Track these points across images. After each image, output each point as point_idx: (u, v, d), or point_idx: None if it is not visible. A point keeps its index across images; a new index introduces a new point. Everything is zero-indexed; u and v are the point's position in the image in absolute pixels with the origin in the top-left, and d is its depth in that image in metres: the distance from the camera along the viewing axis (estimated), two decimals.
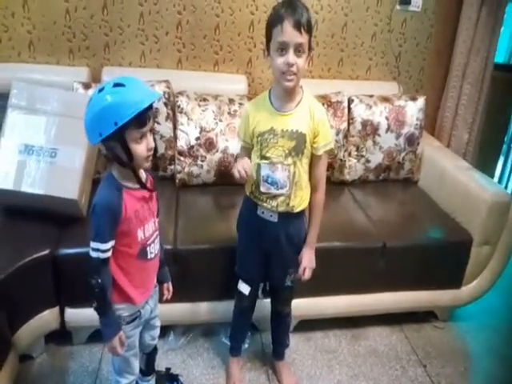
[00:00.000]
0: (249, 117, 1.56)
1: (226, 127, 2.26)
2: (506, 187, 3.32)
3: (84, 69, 2.33)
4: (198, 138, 2.23)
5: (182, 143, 2.23)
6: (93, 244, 1.25)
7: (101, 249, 1.25)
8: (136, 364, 1.47)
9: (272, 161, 1.51)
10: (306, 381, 1.92)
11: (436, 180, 2.44)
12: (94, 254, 1.26)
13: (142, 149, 1.23)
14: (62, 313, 1.85)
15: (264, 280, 1.79)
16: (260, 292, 1.82)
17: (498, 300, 2.43)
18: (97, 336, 1.87)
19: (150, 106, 1.22)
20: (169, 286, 1.56)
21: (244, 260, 1.75)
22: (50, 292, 1.80)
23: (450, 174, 2.33)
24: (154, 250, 1.39)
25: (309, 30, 1.39)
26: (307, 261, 1.64)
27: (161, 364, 1.71)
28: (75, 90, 2.12)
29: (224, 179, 2.30)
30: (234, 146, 2.25)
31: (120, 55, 2.41)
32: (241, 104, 2.30)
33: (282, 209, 1.56)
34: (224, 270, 1.92)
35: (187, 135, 2.23)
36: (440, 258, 2.13)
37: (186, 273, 1.88)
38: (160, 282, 1.53)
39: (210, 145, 2.24)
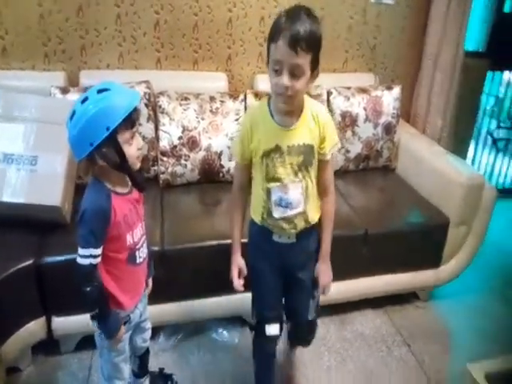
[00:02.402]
0: (248, 134, 1.30)
1: (208, 125, 2.11)
2: (478, 169, 3.25)
3: (61, 73, 2.14)
4: (180, 138, 2.09)
5: (164, 143, 2.09)
6: (83, 251, 1.15)
7: (93, 254, 1.15)
8: (126, 369, 1.37)
9: (282, 182, 1.29)
10: (303, 373, 1.81)
11: (413, 166, 2.36)
12: (85, 262, 1.15)
13: (133, 149, 1.16)
14: (48, 322, 1.71)
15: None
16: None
17: (474, 277, 2.37)
18: (85, 343, 1.77)
19: (136, 106, 1.15)
20: (149, 282, 1.44)
21: (266, 296, 1.45)
22: (36, 302, 1.65)
23: (426, 159, 2.26)
24: (142, 254, 1.30)
25: (310, 49, 1.12)
26: (326, 278, 1.40)
27: (152, 365, 1.59)
28: (52, 95, 1.95)
29: (208, 177, 2.17)
30: (217, 143, 2.12)
31: (97, 58, 2.23)
32: (222, 101, 2.16)
33: (301, 226, 1.34)
34: (211, 267, 1.80)
35: (169, 135, 2.08)
36: (419, 240, 2.06)
37: (174, 273, 1.76)
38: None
39: (193, 143, 2.10)
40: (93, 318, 1.22)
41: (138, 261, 1.28)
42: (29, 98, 1.77)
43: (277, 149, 1.26)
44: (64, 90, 1.98)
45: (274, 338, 1.47)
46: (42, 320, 1.69)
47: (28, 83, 2.01)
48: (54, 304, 1.69)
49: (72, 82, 2.13)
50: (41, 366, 1.76)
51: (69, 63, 2.20)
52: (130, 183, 1.25)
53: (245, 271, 1.44)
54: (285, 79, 1.14)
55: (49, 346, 1.77)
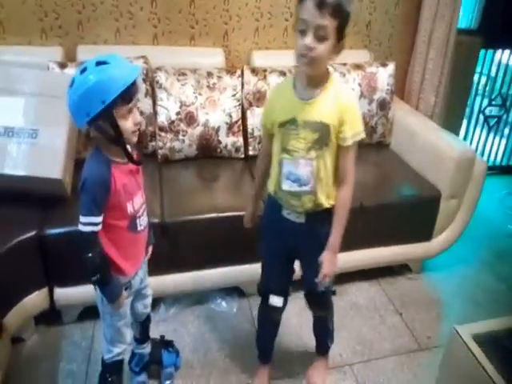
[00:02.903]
0: (270, 105, 1.35)
1: (205, 100, 2.11)
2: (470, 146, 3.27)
3: (58, 48, 2.12)
4: (178, 113, 2.08)
5: (162, 119, 2.08)
6: (84, 219, 1.16)
7: (94, 222, 1.17)
8: (127, 333, 1.39)
9: (293, 155, 1.28)
10: (294, 337, 1.87)
11: (407, 141, 2.37)
12: (86, 229, 1.17)
13: (129, 124, 1.15)
14: (51, 293, 1.73)
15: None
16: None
17: (465, 249, 2.41)
18: (87, 313, 1.79)
19: (134, 81, 1.13)
20: (148, 249, 1.45)
21: (272, 269, 1.49)
22: (39, 273, 1.67)
23: (420, 134, 2.27)
24: (143, 222, 1.31)
25: (336, 14, 1.11)
26: (327, 267, 1.34)
27: (153, 334, 1.62)
28: (51, 70, 1.94)
29: (206, 152, 2.17)
30: (215, 119, 2.12)
31: (94, 33, 2.20)
32: (219, 77, 2.16)
33: (309, 207, 1.32)
34: (209, 240, 1.84)
35: (167, 110, 2.08)
36: (412, 213, 2.10)
37: (174, 244, 1.78)
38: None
39: (190, 119, 2.10)
40: (95, 283, 1.23)
41: (138, 228, 1.29)
42: (28, 73, 1.76)
43: (292, 121, 1.26)
44: (62, 65, 1.96)
45: (277, 309, 1.50)
46: (44, 291, 1.71)
47: (25, 58, 1.98)
48: (56, 275, 1.71)
49: (69, 58, 2.10)
50: (44, 335, 1.78)
51: (66, 38, 2.17)
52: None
53: (255, 218, 1.55)
54: (308, 39, 1.13)
55: (51, 316, 1.79)
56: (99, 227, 1.18)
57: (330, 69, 1.28)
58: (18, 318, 1.63)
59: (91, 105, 1.08)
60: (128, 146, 1.21)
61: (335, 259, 1.36)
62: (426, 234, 2.19)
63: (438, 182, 2.12)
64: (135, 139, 1.20)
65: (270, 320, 1.58)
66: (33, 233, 1.61)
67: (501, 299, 2.13)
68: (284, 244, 1.42)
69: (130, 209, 1.24)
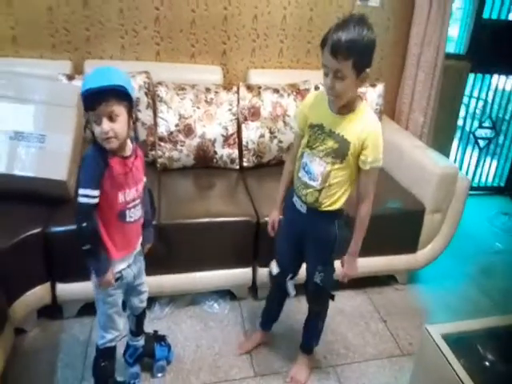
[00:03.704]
0: (307, 106, 1.55)
1: (203, 114, 2.32)
2: (460, 168, 3.47)
3: (67, 62, 2.35)
4: (177, 125, 2.29)
5: (162, 130, 2.29)
6: (82, 191, 1.32)
7: (90, 195, 1.31)
8: (119, 321, 1.53)
9: (313, 152, 1.49)
10: (283, 339, 2.01)
11: (395, 159, 2.54)
12: (83, 200, 1.32)
13: (97, 130, 1.30)
14: (53, 288, 1.89)
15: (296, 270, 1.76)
16: (291, 287, 1.74)
17: (452, 263, 2.60)
18: (86, 309, 1.94)
19: (104, 92, 1.26)
20: (146, 247, 1.62)
21: (279, 243, 1.74)
22: (42, 268, 1.84)
23: (407, 152, 2.47)
24: (133, 215, 1.45)
25: (349, 56, 1.29)
26: (347, 268, 1.61)
27: (147, 331, 1.78)
28: (60, 81, 2.15)
29: (202, 162, 2.37)
30: (212, 131, 2.33)
31: (101, 48, 2.44)
32: (216, 92, 2.37)
33: (310, 200, 1.53)
34: (203, 243, 2.00)
35: (167, 122, 2.29)
36: (398, 226, 2.26)
37: (169, 246, 1.95)
38: (142, 243, 1.59)
39: (188, 130, 2.30)
40: (85, 254, 1.35)
41: (127, 219, 1.43)
42: (39, 83, 1.95)
43: (320, 126, 1.47)
44: (70, 77, 2.18)
45: (272, 276, 1.77)
46: (47, 285, 1.87)
47: (37, 70, 2.19)
48: (58, 271, 1.88)
49: (77, 70, 2.33)
50: (45, 328, 1.94)
51: (74, 53, 2.41)
52: (131, 148, 1.42)
53: (276, 226, 1.74)
54: (328, 81, 1.36)
55: (53, 310, 1.95)
56: (95, 200, 1.32)
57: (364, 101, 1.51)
58: (21, 310, 1.79)
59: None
60: (129, 142, 1.40)
61: (355, 262, 1.61)
62: (411, 247, 2.35)
63: (422, 197, 2.29)
64: (107, 146, 1.32)
65: (270, 285, 1.86)
66: (38, 230, 1.78)
67: (483, 311, 2.28)
68: (292, 229, 1.66)
69: (121, 198, 1.39)
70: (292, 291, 1.74)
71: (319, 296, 1.74)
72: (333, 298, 1.74)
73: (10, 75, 1.95)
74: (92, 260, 1.38)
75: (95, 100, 1.26)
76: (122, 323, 1.55)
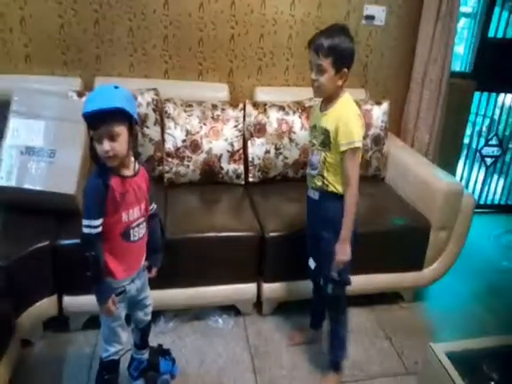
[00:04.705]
0: (310, 116, 1.92)
1: (209, 130, 2.38)
2: (466, 187, 3.50)
3: (77, 79, 2.44)
4: (184, 141, 2.36)
5: (169, 145, 2.35)
6: (85, 221, 1.37)
7: (92, 225, 1.37)
8: (123, 334, 1.56)
9: (312, 148, 1.78)
10: (287, 354, 2.04)
11: (400, 175, 2.60)
12: (86, 230, 1.37)
13: (99, 149, 1.35)
14: (60, 300, 1.93)
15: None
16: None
17: (458, 281, 2.61)
18: (92, 322, 1.97)
19: (104, 114, 1.30)
20: (153, 271, 1.66)
21: (308, 240, 1.91)
22: (49, 280, 1.88)
23: (412, 168, 2.51)
24: (137, 233, 1.49)
25: (329, 54, 1.58)
26: (339, 256, 1.71)
27: (152, 344, 1.81)
28: (70, 98, 2.23)
29: (209, 178, 2.42)
30: (218, 147, 2.39)
31: (110, 66, 2.53)
32: (223, 109, 2.44)
33: (318, 185, 1.75)
34: (209, 258, 2.04)
35: (174, 138, 2.35)
36: (403, 243, 2.28)
37: (175, 261, 1.97)
38: (150, 266, 1.65)
39: (195, 146, 2.37)
40: (89, 281, 1.41)
41: (132, 238, 1.47)
42: (50, 99, 2.03)
43: (314, 126, 1.77)
44: (80, 94, 2.26)
45: (310, 269, 1.90)
46: (54, 298, 1.91)
47: (48, 87, 2.27)
48: (65, 283, 1.92)
49: (87, 87, 2.41)
50: (51, 340, 1.98)
51: (85, 70, 2.50)
52: (135, 168, 1.47)
53: None
54: (312, 74, 1.66)
55: (59, 322, 1.99)
56: (98, 230, 1.37)
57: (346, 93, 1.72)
58: (28, 322, 1.83)
59: None
60: (132, 161, 1.45)
61: (346, 248, 1.71)
62: (417, 264, 2.37)
63: (428, 214, 2.31)
64: (108, 163, 1.37)
65: (313, 284, 1.99)
66: (46, 242, 1.83)
67: (489, 330, 2.27)
68: (310, 219, 1.88)
69: (124, 218, 1.43)
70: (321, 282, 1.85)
71: (334, 298, 1.82)
72: (349, 282, 1.83)
73: (23, 92, 2.03)
74: (94, 287, 1.43)
75: (96, 121, 1.31)
76: (126, 337, 1.59)
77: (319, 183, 1.75)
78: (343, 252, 1.71)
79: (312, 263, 1.89)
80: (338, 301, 1.85)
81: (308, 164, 1.83)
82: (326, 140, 1.69)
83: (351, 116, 1.67)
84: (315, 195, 1.80)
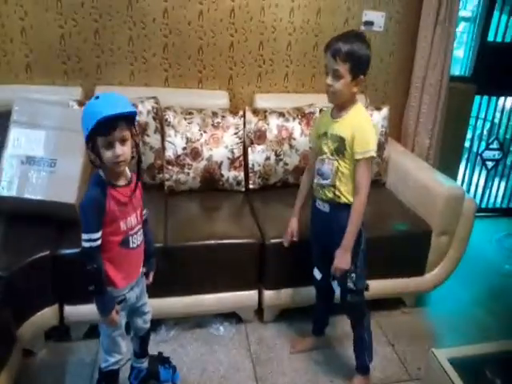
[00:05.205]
0: (316, 123, 1.88)
1: (210, 137, 2.38)
2: (468, 191, 3.49)
3: (78, 88, 2.44)
4: (184, 148, 2.35)
5: (169, 153, 2.35)
6: (84, 236, 1.37)
7: (92, 238, 1.37)
8: (123, 344, 1.56)
9: (323, 157, 1.72)
10: (289, 361, 2.03)
11: (401, 180, 2.59)
12: (86, 244, 1.37)
13: (108, 155, 1.35)
14: (61, 310, 1.93)
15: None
16: (337, 287, 1.82)
17: (460, 286, 2.59)
18: (93, 331, 1.94)
19: (118, 118, 1.33)
20: (150, 275, 1.66)
21: (313, 250, 1.89)
22: (50, 290, 1.88)
23: (412, 173, 2.50)
24: (136, 240, 1.50)
25: (347, 60, 1.56)
26: (338, 261, 1.68)
27: (152, 353, 1.81)
28: (71, 107, 2.23)
29: (209, 185, 2.42)
30: (218, 154, 2.38)
31: (111, 75, 2.54)
32: (223, 117, 2.44)
33: (329, 197, 1.71)
34: (210, 265, 2.04)
35: (174, 146, 2.35)
36: (404, 248, 2.27)
37: (175, 268, 1.98)
38: (146, 272, 1.65)
39: (195, 154, 2.37)
40: (91, 294, 1.41)
41: (131, 245, 1.48)
42: (50, 109, 2.04)
43: (324, 134, 1.72)
44: (80, 103, 2.26)
45: (316, 280, 1.90)
46: (55, 307, 1.91)
47: (49, 96, 2.28)
48: (66, 293, 1.91)
49: (88, 97, 2.40)
50: (52, 350, 1.97)
51: (85, 79, 2.51)
52: (128, 177, 1.47)
53: (295, 234, 1.91)
54: (328, 79, 1.62)
55: (61, 332, 1.99)
56: (97, 243, 1.38)
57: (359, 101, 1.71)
58: (29, 332, 1.82)
59: (83, 129, 1.34)
60: (127, 171, 1.45)
61: (346, 256, 1.68)
62: (418, 269, 2.35)
63: (429, 219, 2.30)
64: (117, 169, 1.39)
65: (316, 291, 2.00)
66: (47, 252, 1.83)
67: (492, 336, 2.25)
68: (318, 231, 1.83)
69: (123, 226, 1.44)
70: (337, 289, 1.82)
71: (355, 304, 1.81)
72: (367, 288, 1.82)
73: (24, 101, 2.03)
74: (97, 299, 1.43)
75: (110, 126, 1.32)
76: (125, 346, 1.58)
77: (330, 195, 1.71)
78: (343, 260, 1.68)
79: (317, 274, 1.88)
80: (358, 307, 1.84)
81: (317, 173, 1.76)
82: (341, 148, 1.65)
83: (366, 124, 1.66)
84: (325, 207, 1.75)
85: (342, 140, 1.65)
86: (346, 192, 1.68)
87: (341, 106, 1.68)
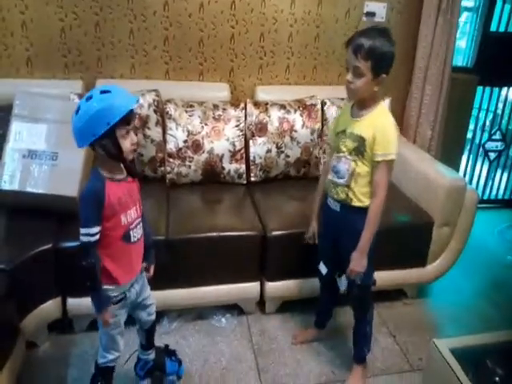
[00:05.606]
0: (336, 121, 1.80)
1: (211, 130, 2.38)
2: (470, 182, 3.47)
3: (78, 81, 2.44)
4: (185, 141, 2.35)
5: (171, 146, 2.35)
6: (82, 230, 1.37)
7: (90, 233, 1.36)
8: (121, 342, 1.56)
9: (339, 154, 1.67)
10: (290, 352, 2.04)
11: (403, 172, 2.55)
12: (84, 239, 1.37)
13: (128, 143, 1.38)
14: (64, 302, 1.94)
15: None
16: (341, 282, 1.81)
17: (462, 277, 2.59)
18: (96, 324, 1.95)
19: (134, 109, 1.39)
20: (150, 268, 1.65)
21: (320, 245, 1.89)
22: (53, 283, 1.89)
23: (414, 165, 2.49)
24: (137, 234, 1.50)
25: (368, 57, 1.49)
26: (354, 264, 1.66)
27: (158, 344, 1.81)
28: (71, 101, 2.23)
29: (210, 178, 2.42)
30: (219, 147, 2.38)
31: (112, 68, 2.53)
32: (224, 109, 2.43)
33: (342, 197, 1.67)
34: (211, 258, 2.04)
35: (176, 139, 2.35)
36: (406, 239, 2.27)
37: (177, 261, 1.98)
38: (146, 265, 1.64)
39: (196, 147, 2.36)
40: (87, 289, 1.42)
41: (132, 240, 1.48)
42: (51, 102, 2.04)
43: (343, 132, 1.67)
44: (81, 96, 2.24)
45: (321, 275, 1.91)
46: (58, 300, 1.92)
47: (49, 90, 2.27)
48: (69, 286, 1.92)
49: (89, 90, 2.37)
50: (56, 342, 1.99)
51: (86, 73, 2.50)
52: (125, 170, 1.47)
53: (316, 237, 1.90)
54: (348, 75, 1.56)
55: (64, 325, 2.00)
56: (96, 237, 1.37)
57: (382, 102, 1.66)
58: (33, 324, 1.83)
59: (97, 126, 1.31)
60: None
61: (362, 259, 1.66)
62: (420, 260, 2.35)
63: (430, 210, 2.30)
64: (131, 156, 1.43)
65: (321, 285, 2.00)
66: (49, 245, 1.83)
67: (493, 326, 2.24)
68: (329, 227, 1.81)
69: (123, 220, 1.44)
70: (342, 286, 1.81)
71: (362, 298, 1.82)
72: (375, 283, 1.82)
73: (25, 95, 2.03)
74: (92, 296, 1.44)
75: (133, 116, 1.39)
76: (124, 344, 1.58)
77: (342, 195, 1.67)
78: (359, 263, 1.66)
79: (323, 268, 1.87)
80: (364, 301, 1.84)
81: (332, 171, 1.70)
82: (361, 148, 1.60)
83: (389, 126, 1.60)
84: (336, 206, 1.72)
85: (362, 140, 1.59)
86: (360, 194, 1.64)
87: (362, 104, 1.62)
